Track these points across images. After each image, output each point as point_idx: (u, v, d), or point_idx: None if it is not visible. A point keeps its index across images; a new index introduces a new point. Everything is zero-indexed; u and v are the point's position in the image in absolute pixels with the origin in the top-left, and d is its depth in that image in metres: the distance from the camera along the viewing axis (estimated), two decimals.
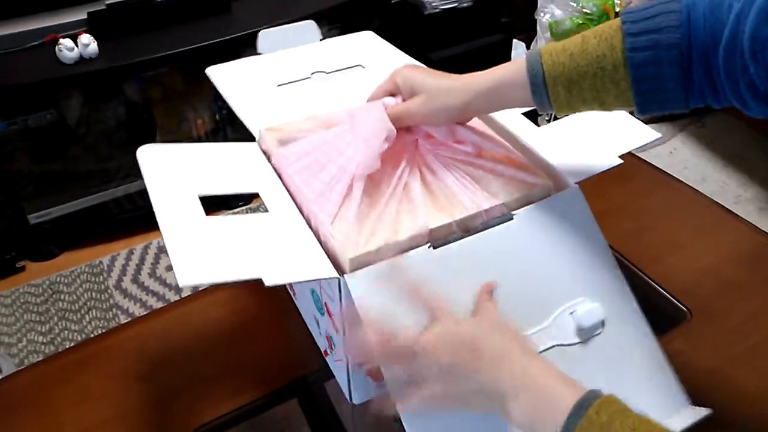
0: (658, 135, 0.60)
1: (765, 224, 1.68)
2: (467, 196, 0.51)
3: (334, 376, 0.61)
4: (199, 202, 0.49)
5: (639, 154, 2.22)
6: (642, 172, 0.89)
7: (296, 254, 0.48)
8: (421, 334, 0.44)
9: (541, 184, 0.52)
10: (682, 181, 0.86)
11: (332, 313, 0.51)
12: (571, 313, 0.49)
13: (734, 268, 0.73)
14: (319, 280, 0.50)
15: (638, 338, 0.51)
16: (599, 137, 0.60)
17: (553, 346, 0.48)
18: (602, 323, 0.49)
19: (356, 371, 0.53)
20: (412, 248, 0.48)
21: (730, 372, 0.61)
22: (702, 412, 0.48)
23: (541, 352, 0.48)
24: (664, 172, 0.88)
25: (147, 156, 0.53)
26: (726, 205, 0.82)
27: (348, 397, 0.56)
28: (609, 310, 0.50)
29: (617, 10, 1.97)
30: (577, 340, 0.49)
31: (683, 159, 1.96)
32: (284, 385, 0.63)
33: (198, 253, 0.44)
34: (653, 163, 0.89)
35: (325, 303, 0.53)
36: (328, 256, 0.48)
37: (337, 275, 0.46)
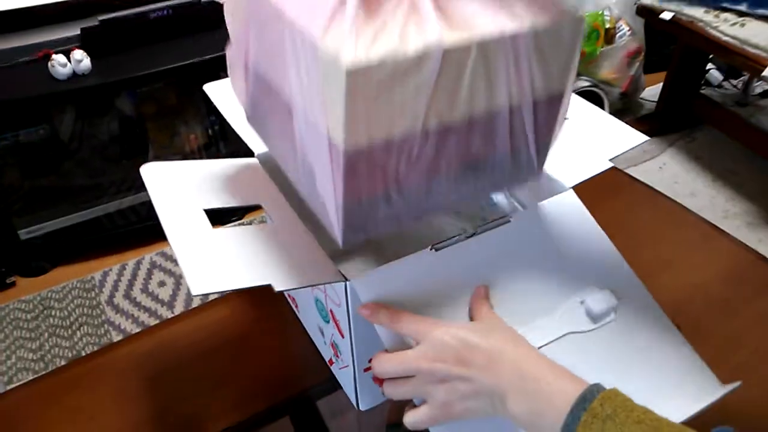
0: (645, 138, 0.61)
1: (753, 238, 1.71)
2: (488, 17, 0.42)
3: (330, 392, 0.61)
4: (204, 215, 0.50)
5: (630, 169, 2.23)
6: (630, 188, 0.90)
7: (302, 262, 0.49)
8: (412, 354, 0.44)
9: (568, 16, 0.44)
10: (670, 198, 0.87)
11: (338, 320, 0.52)
12: (582, 302, 0.50)
13: (722, 285, 0.74)
14: (326, 284, 0.50)
15: (654, 322, 0.51)
16: (588, 142, 0.61)
17: (566, 335, 0.48)
18: (614, 309, 0.50)
19: (363, 378, 0.53)
20: (421, 68, 0.39)
21: None
22: (732, 386, 0.48)
23: (553, 341, 0.48)
24: (653, 188, 0.89)
25: (151, 174, 0.55)
26: (715, 220, 0.83)
27: (355, 404, 0.56)
28: (620, 297, 0.51)
29: (607, 26, 1.99)
30: (590, 327, 0.49)
31: (674, 173, 1.98)
32: (277, 402, 0.63)
33: (208, 263, 0.45)
34: (644, 177, 0.90)
35: (331, 310, 0.53)
36: (319, 71, 0.39)
37: (343, 280, 0.46)
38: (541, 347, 0.47)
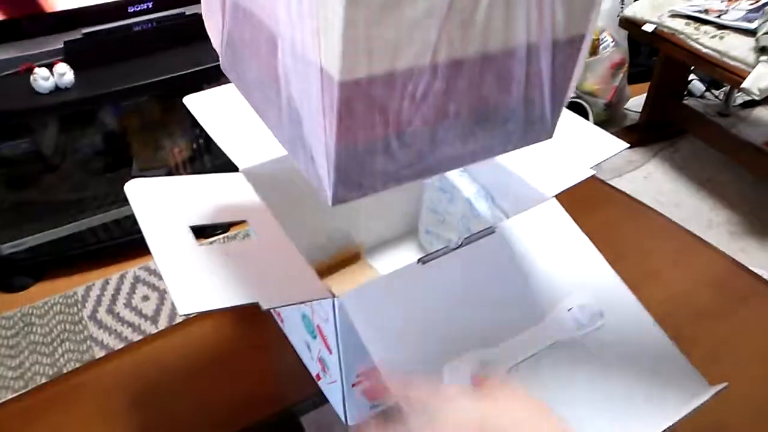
0: (626, 145, 0.62)
1: (735, 248, 1.73)
2: None
3: (315, 407, 0.60)
4: (190, 232, 0.50)
5: (615, 179, 2.24)
6: (613, 200, 0.90)
7: (289, 278, 0.48)
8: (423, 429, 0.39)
9: None
10: (652, 208, 0.88)
11: (325, 335, 0.51)
12: (569, 309, 0.50)
13: (705, 295, 0.74)
14: (313, 301, 0.50)
15: (641, 326, 0.52)
16: (569, 150, 0.62)
17: (554, 343, 0.48)
18: (601, 315, 0.50)
19: (351, 393, 0.53)
20: None
21: None
22: (719, 386, 0.48)
23: (542, 350, 0.48)
24: (635, 199, 0.90)
25: (135, 191, 0.54)
26: (699, 229, 0.84)
27: (343, 419, 0.56)
28: (606, 303, 0.51)
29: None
30: (578, 334, 0.49)
31: (658, 183, 2.00)
32: (262, 418, 0.62)
33: (194, 281, 0.44)
34: (629, 187, 0.91)
35: (318, 326, 0.53)
36: None
37: (331, 296, 0.46)
38: (530, 357, 0.47)
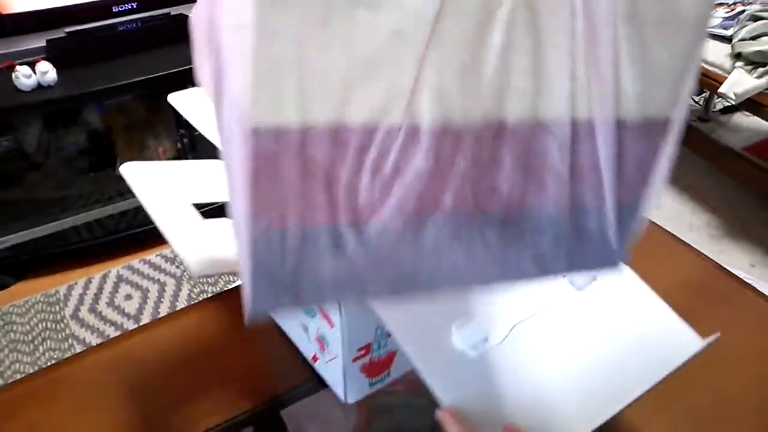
0: None
1: (715, 249, 1.76)
2: None
3: (295, 401, 0.60)
4: (193, 208, 0.50)
5: None
6: None
7: None
8: None
9: None
10: None
11: (327, 309, 0.52)
12: (564, 275, 0.52)
13: (684, 295, 0.75)
14: None
15: (633, 288, 0.54)
16: None
17: (551, 305, 0.50)
18: (594, 278, 0.52)
19: (351, 368, 0.53)
20: None
21: (678, 393, 0.63)
22: (712, 338, 0.50)
23: (538, 312, 0.49)
24: None
25: (131, 172, 0.55)
26: (680, 232, 0.85)
27: (342, 397, 0.56)
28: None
29: None
30: (573, 297, 0.51)
31: None
32: (241, 413, 0.62)
33: (203, 248, 0.45)
34: None
35: None
36: None
37: None
38: (530, 317, 0.49)
